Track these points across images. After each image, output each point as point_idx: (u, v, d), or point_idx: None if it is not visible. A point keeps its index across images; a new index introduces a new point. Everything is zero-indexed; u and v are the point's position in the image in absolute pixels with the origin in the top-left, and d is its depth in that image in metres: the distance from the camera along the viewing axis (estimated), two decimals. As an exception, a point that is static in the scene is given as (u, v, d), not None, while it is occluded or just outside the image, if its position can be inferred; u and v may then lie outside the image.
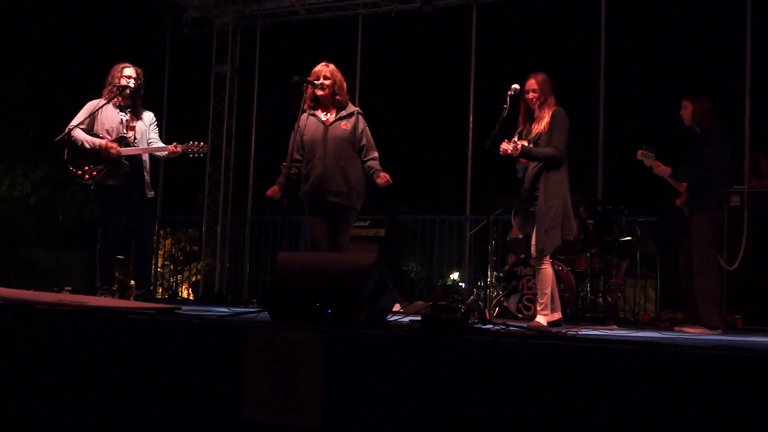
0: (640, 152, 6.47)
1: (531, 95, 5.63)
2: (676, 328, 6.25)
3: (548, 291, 5.51)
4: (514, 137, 5.58)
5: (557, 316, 5.59)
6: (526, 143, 5.54)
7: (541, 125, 5.56)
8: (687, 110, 6.51)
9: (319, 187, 5.70)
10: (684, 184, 6.47)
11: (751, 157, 8.37)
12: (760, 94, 9.23)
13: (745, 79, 9.18)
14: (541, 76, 5.66)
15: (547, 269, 5.54)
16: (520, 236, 7.38)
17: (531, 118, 5.68)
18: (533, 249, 5.58)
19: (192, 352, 3.56)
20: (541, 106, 5.60)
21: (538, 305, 5.60)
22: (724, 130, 6.44)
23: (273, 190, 5.77)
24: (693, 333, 5.93)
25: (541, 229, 5.47)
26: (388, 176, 5.65)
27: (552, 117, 5.55)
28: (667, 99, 6.61)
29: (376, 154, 5.79)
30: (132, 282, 9.19)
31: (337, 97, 5.75)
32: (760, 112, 9.24)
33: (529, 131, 5.65)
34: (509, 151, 5.51)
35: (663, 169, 6.46)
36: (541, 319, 5.47)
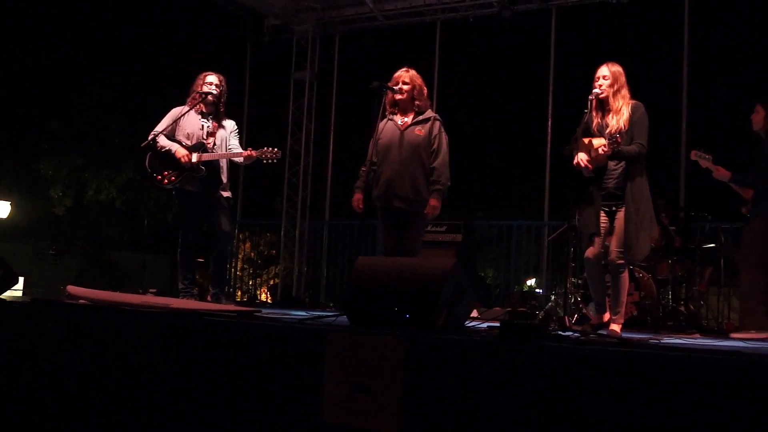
0: (693, 152, 6.30)
1: (601, 81, 5.31)
2: (731, 335, 6.11)
3: (625, 298, 5.30)
4: (589, 139, 5.23)
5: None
6: (606, 142, 5.18)
7: (619, 121, 5.23)
8: (758, 115, 6.34)
9: (387, 191, 5.71)
10: (749, 191, 6.31)
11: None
12: None
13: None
14: (614, 65, 5.34)
15: (626, 275, 5.32)
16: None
17: (602, 110, 5.34)
18: (614, 252, 5.25)
19: (272, 354, 3.61)
20: (615, 96, 5.26)
21: (612, 312, 5.30)
22: None
23: (357, 200, 5.78)
24: (745, 338, 5.79)
25: (631, 232, 5.14)
26: (433, 210, 5.63)
27: (633, 112, 5.22)
28: (752, 101, 6.43)
29: (438, 161, 5.66)
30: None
31: (416, 102, 5.76)
32: None
33: (602, 126, 5.32)
34: (600, 154, 5.15)
35: (722, 173, 6.31)
36: (617, 328, 5.25)
